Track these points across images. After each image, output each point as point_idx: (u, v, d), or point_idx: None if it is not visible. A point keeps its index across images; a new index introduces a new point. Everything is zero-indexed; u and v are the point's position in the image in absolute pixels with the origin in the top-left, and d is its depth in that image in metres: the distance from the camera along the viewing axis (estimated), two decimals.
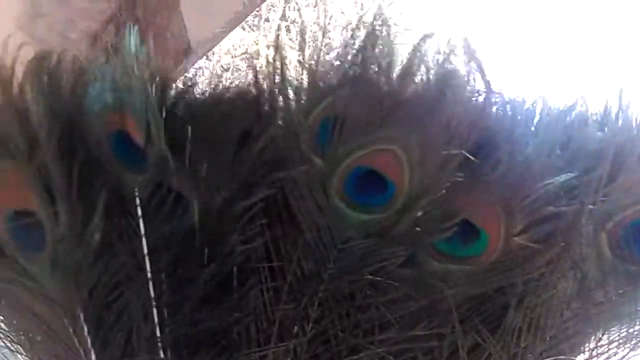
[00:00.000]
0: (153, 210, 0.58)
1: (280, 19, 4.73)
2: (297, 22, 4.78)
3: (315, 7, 4.66)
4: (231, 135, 0.55)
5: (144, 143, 0.54)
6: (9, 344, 0.70)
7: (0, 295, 0.64)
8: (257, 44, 4.41)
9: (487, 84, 0.56)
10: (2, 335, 0.68)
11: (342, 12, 4.69)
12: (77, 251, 0.56)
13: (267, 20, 4.60)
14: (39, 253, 0.58)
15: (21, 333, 0.67)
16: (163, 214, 0.58)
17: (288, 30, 4.63)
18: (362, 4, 4.65)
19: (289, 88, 0.57)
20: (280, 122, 0.58)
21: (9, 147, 0.55)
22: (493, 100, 0.56)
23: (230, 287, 0.60)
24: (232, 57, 4.31)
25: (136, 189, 0.56)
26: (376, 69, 0.54)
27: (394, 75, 0.54)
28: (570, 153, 0.58)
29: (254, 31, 4.44)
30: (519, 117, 0.57)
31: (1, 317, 0.71)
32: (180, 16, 2.35)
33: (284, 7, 4.66)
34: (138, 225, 0.57)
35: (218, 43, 2.57)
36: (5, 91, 0.56)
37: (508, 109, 0.57)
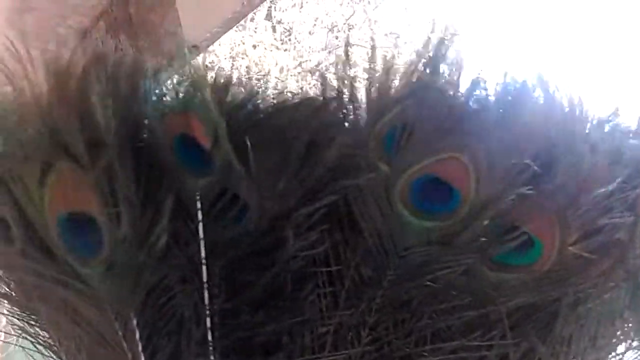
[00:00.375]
0: (212, 214, 0.57)
1: (265, 19, 4.72)
2: (282, 22, 4.80)
3: (301, 8, 4.67)
4: (298, 142, 0.55)
5: (210, 146, 0.54)
6: (48, 348, 0.69)
7: (46, 297, 0.63)
8: (243, 44, 4.40)
9: (551, 95, 0.56)
10: (43, 340, 0.67)
11: (326, 14, 4.70)
12: (139, 254, 0.55)
13: (252, 20, 4.59)
14: (92, 255, 0.57)
15: (66, 337, 0.66)
16: (222, 218, 0.57)
17: (274, 30, 4.63)
18: (347, 6, 4.68)
19: (358, 96, 0.57)
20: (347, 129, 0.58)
21: (67, 148, 0.54)
22: (554, 110, 0.57)
23: (285, 293, 0.59)
24: (215, 55, 4.29)
25: (198, 193, 0.56)
26: (445, 79, 0.54)
27: (462, 84, 0.54)
28: (624, 163, 0.59)
29: (239, 31, 4.43)
30: (579, 127, 0.58)
31: (44, 321, 0.70)
32: (175, 14, 2.33)
33: (269, 7, 4.66)
34: (196, 229, 0.57)
35: (214, 42, 2.55)
36: (63, 91, 0.55)
37: (568, 118, 0.57)
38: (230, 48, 4.13)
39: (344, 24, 4.38)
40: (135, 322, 0.59)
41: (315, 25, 4.45)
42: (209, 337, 0.60)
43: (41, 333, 0.76)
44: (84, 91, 0.54)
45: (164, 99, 0.58)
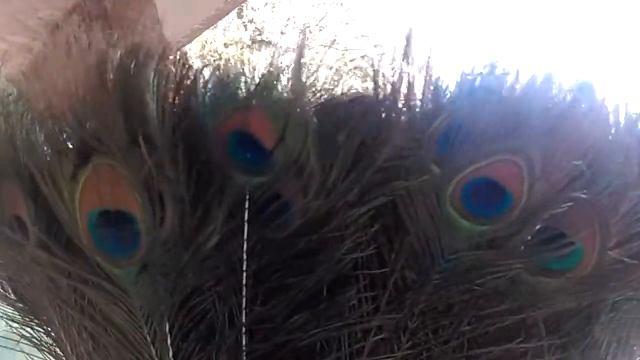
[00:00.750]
0: (257, 214, 0.55)
1: (237, 17, 4.68)
2: (254, 21, 4.76)
3: (273, 7, 4.64)
4: (349, 141, 0.53)
5: (275, 144, 0.51)
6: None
7: (64, 300, 0.60)
8: (215, 41, 4.35)
9: (598, 101, 0.56)
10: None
11: (299, 15, 4.69)
12: (183, 255, 0.52)
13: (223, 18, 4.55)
14: (126, 255, 0.54)
15: (77, 343, 0.63)
16: (263, 218, 0.55)
17: (245, 28, 4.60)
18: (319, 7, 4.67)
19: (414, 96, 0.55)
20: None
21: (107, 143, 0.51)
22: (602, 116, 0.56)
23: (326, 297, 0.57)
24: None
25: (248, 192, 0.53)
26: (502, 80, 0.53)
27: (519, 86, 0.53)
28: None
29: (211, 29, 4.38)
30: (628, 132, 0.58)
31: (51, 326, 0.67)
32: (154, 10, 2.27)
33: (241, 6, 4.62)
34: (238, 228, 0.54)
35: (193, 40, 2.51)
36: (104, 82, 0.53)
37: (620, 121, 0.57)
38: (201, 45, 4.08)
39: (316, 25, 4.37)
40: (167, 327, 0.56)
41: (287, 25, 4.44)
42: (243, 343, 0.58)
43: (45, 339, 0.73)
44: (132, 83, 0.51)
45: (217, 94, 0.55)
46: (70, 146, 0.54)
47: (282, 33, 4.13)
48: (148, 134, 0.50)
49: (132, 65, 0.52)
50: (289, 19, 4.32)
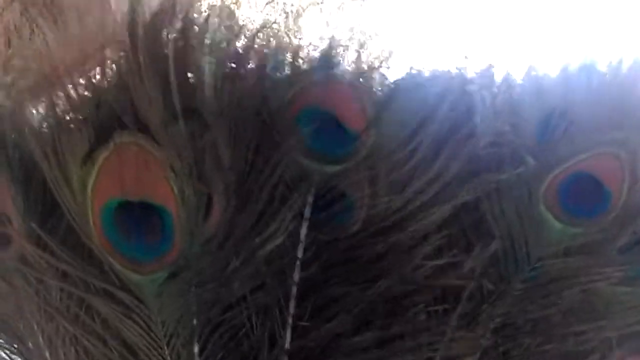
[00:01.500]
0: (316, 210, 0.45)
1: None
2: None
3: None
4: (432, 128, 0.44)
5: (365, 127, 0.42)
6: None
7: (64, 307, 0.48)
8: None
9: None
10: None
11: None
12: (231, 261, 0.42)
13: None
14: (149, 259, 0.44)
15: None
16: (323, 216, 0.45)
17: None
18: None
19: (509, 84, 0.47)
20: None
21: (136, 117, 0.41)
22: None
23: (388, 311, 0.48)
24: None
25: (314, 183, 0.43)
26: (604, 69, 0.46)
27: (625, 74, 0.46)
28: None
29: None
30: None
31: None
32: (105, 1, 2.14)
33: None
34: (294, 227, 0.44)
35: None
36: (136, 43, 0.42)
37: None
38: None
39: None
40: (196, 349, 0.46)
41: None
42: None
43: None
44: (181, 46, 0.41)
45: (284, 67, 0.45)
46: (84, 120, 0.43)
47: None
48: (196, 107, 0.40)
49: (200, 47, 0.42)
50: None
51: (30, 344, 0.57)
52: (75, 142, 0.42)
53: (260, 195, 0.41)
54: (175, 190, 0.41)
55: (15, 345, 0.60)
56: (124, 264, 0.44)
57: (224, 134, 0.39)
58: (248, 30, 0.43)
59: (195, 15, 0.42)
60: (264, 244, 0.41)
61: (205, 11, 0.42)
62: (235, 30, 0.42)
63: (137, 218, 0.44)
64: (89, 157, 0.43)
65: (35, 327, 0.55)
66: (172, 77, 0.39)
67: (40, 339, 0.55)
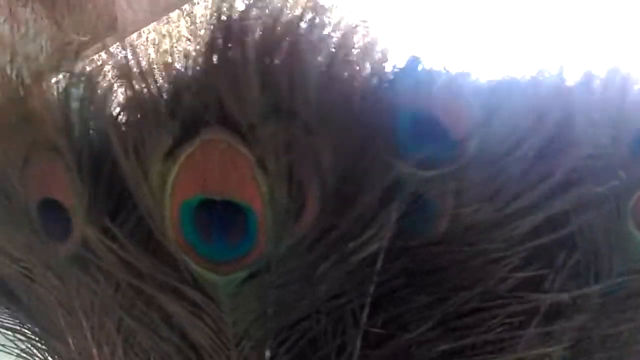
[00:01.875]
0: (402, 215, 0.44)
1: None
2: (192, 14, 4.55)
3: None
4: (534, 136, 0.43)
5: (471, 132, 0.41)
6: None
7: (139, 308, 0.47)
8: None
9: None
10: None
11: None
12: (320, 264, 0.40)
13: None
14: (229, 258, 0.42)
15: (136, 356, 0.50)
16: (405, 221, 0.44)
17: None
18: None
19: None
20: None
21: (233, 118, 0.39)
22: None
23: (463, 319, 0.47)
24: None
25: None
26: None
27: None
28: None
29: None
30: None
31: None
32: None
33: None
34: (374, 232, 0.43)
35: (150, 24, 2.38)
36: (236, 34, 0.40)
37: None
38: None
39: None
40: (268, 354, 0.44)
41: None
42: None
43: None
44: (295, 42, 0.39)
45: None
46: (169, 114, 0.41)
47: None
48: (298, 108, 0.38)
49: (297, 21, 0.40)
50: None
51: (71, 342, 0.56)
52: (159, 136, 0.40)
53: (358, 199, 0.39)
54: (264, 190, 0.40)
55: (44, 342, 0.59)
56: (200, 263, 0.43)
57: (326, 138, 0.38)
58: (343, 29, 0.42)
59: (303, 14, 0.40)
60: (359, 249, 0.40)
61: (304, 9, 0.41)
62: (337, 29, 0.41)
63: (218, 217, 0.42)
64: (171, 152, 0.41)
65: (85, 323, 0.53)
66: (283, 79, 0.38)
67: (89, 336, 0.53)
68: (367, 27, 0.44)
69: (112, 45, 1.80)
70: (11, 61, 0.49)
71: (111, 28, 2.02)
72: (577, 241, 0.46)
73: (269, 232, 0.41)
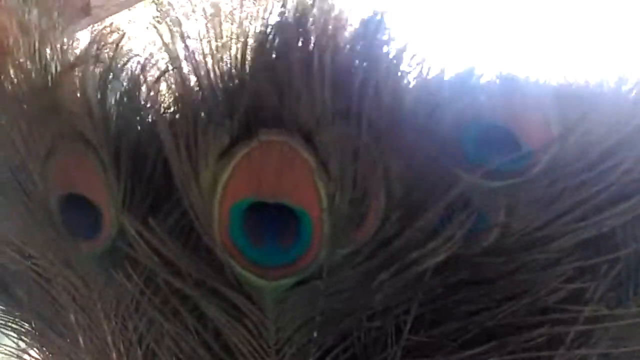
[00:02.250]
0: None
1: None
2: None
3: None
4: (599, 144, 0.43)
5: (548, 144, 0.40)
6: None
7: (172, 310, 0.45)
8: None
9: None
10: None
11: None
12: (378, 274, 0.39)
13: None
14: (278, 263, 0.41)
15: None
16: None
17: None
18: None
19: None
20: None
21: (294, 119, 0.38)
22: None
23: (507, 329, 0.47)
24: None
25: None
26: None
27: None
28: None
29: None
30: None
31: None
32: None
33: None
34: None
35: (124, 9, 2.32)
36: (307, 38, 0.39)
37: None
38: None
39: None
40: None
41: None
42: None
43: None
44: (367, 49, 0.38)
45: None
46: (226, 113, 0.40)
47: None
48: (368, 115, 0.37)
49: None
50: None
51: (82, 341, 0.54)
52: (215, 135, 0.39)
53: (424, 209, 0.38)
54: (323, 196, 0.39)
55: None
56: (247, 267, 0.41)
57: (396, 147, 0.37)
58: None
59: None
60: (422, 260, 0.39)
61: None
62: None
63: (269, 220, 0.41)
64: (226, 152, 0.39)
65: (105, 326, 0.51)
66: (354, 82, 0.37)
67: (109, 340, 0.51)
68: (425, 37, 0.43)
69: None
70: (39, 50, 0.47)
71: (84, 10, 1.96)
72: (620, 252, 0.46)
73: (325, 238, 0.39)
